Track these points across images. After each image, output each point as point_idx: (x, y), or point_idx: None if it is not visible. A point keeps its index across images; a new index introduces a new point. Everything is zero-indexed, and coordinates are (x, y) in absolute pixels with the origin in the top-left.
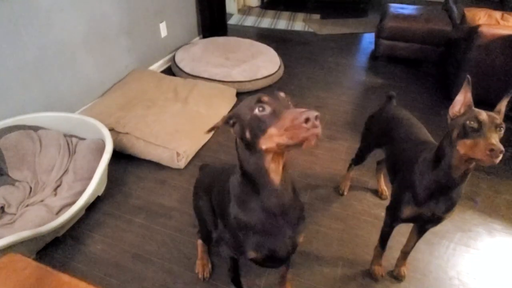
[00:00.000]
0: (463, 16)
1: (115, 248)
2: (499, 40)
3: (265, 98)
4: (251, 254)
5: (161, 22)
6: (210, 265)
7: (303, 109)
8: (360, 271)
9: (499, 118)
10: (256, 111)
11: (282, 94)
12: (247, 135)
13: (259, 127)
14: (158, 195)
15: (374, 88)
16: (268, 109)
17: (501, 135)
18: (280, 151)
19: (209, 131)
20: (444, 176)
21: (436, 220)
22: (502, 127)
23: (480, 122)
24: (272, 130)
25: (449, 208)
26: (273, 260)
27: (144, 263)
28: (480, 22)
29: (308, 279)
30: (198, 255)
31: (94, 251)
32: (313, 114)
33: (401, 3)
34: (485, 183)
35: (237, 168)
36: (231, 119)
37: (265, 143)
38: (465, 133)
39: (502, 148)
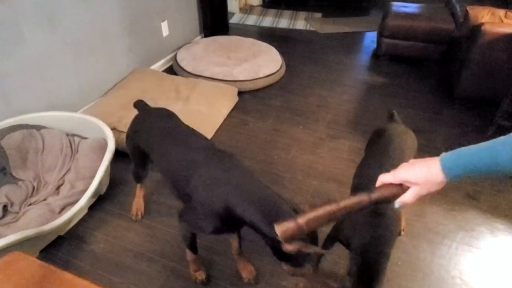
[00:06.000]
0: (466, 15)
1: (118, 247)
2: (502, 39)
3: None
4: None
5: (162, 21)
6: (143, 209)
7: None
8: None
9: None
10: None
11: None
12: None
13: None
14: (160, 194)
15: (376, 87)
16: None
17: None
18: None
19: None
20: None
21: None
22: None
23: None
24: None
25: None
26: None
27: (147, 262)
28: (483, 20)
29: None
30: (135, 199)
31: (96, 250)
32: None
33: (404, 1)
34: (488, 182)
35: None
36: None
37: None
38: None
39: None
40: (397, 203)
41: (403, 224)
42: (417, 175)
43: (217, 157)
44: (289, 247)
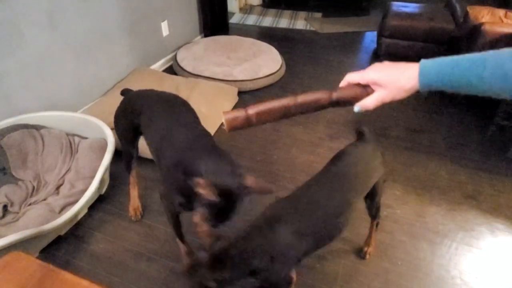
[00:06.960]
0: (466, 14)
1: (118, 246)
2: (502, 39)
3: None
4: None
5: (162, 21)
6: (141, 208)
7: None
8: (361, 268)
9: None
10: None
11: None
12: None
13: None
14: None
15: None
16: None
17: None
18: None
19: None
20: None
21: None
22: None
23: None
24: None
25: None
26: None
27: (147, 262)
28: (483, 20)
29: (308, 278)
30: (130, 200)
31: (96, 249)
32: None
33: (404, 1)
34: (488, 182)
35: None
36: None
37: None
38: None
39: None
40: (357, 106)
41: None
42: (387, 77)
43: (196, 136)
44: (200, 181)
